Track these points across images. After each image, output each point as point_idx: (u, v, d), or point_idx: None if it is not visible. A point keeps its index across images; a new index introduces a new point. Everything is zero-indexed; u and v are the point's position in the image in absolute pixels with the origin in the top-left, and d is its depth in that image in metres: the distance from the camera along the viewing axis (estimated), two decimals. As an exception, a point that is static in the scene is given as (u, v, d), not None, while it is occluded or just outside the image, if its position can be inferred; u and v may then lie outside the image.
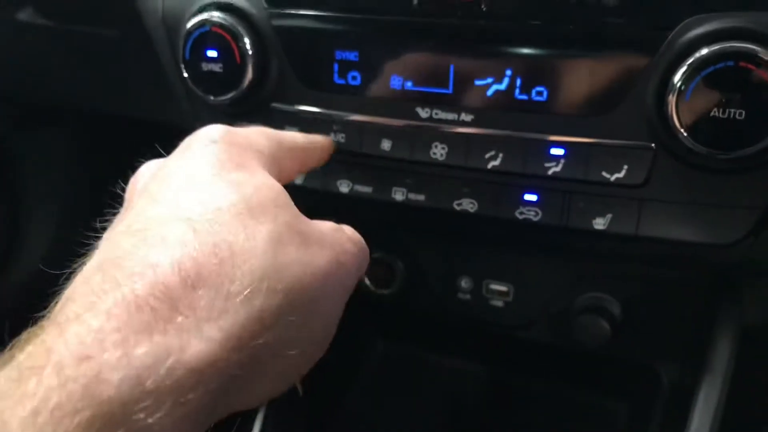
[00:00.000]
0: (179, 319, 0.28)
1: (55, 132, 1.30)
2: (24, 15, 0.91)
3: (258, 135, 0.42)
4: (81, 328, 0.27)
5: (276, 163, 0.41)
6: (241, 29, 0.53)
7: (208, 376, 0.28)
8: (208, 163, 0.37)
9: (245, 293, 0.31)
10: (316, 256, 0.36)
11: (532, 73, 0.47)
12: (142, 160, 0.42)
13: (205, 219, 0.32)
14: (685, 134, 0.43)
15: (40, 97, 1.14)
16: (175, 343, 0.28)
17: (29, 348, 0.27)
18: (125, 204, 0.39)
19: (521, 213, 0.50)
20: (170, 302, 0.29)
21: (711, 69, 0.41)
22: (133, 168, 0.42)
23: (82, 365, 0.26)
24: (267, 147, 0.41)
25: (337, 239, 0.38)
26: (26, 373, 0.26)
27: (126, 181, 0.41)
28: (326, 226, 0.39)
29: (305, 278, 0.34)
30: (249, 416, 0.54)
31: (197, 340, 0.28)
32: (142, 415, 0.26)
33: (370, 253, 0.68)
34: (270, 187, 0.36)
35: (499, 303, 0.66)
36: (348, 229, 0.41)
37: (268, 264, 0.32)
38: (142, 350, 0.27)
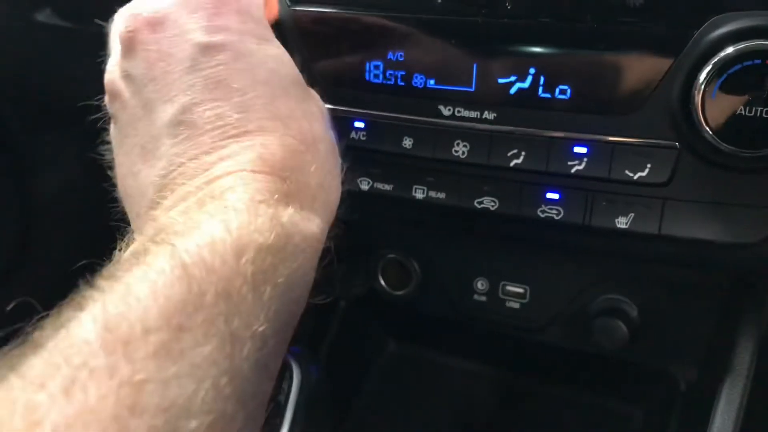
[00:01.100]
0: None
1: (68, 134, 1.31)
2: (42, 16, 0.92)
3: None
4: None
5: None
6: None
7: None
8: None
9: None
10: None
11: (555, 71, 0.47)
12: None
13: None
14: (710, 133, 0.43)
15: (55, 98, 1.14)
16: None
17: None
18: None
19: (543, 211, 0.50)
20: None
21: (737, 67, 0.41)
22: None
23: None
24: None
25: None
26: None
27: None
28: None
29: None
30: (278, 412, 0.54)
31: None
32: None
33: (387, 254, 0.68)
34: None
35: (515, 305, 0.66)
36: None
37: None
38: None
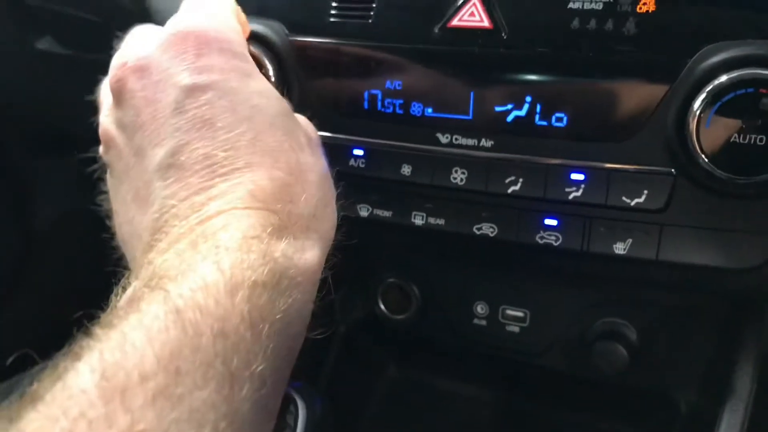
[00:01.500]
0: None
1: (67, 161, 1.31)
2: (43, 44, 0.93)
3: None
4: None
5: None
6: (264, 57, 0.54)
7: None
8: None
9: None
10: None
11: (552, 99, 0.48)
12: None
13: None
14: (705, 160, 0.43)
15: (54, 126, 1.15)
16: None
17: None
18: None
19: (541, 237, 0.51)
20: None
21: (730, 96, 0.42)
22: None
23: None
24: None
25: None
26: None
27: None
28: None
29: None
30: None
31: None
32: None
33: (386, 278, 0.68)
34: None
35: (515, 329, 0.66)
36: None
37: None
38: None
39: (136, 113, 0.37)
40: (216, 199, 0.34)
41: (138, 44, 0.39)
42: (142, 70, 0.37)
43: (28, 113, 1.11)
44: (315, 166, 0.39)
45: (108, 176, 0.42)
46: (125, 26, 0.82)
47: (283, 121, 0.38)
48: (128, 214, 0.38)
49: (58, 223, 1.33)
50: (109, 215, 0.42)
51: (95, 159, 0.43)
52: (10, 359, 0.34)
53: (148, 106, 0.37)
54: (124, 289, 0.32)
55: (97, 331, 0.27)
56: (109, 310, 0.31)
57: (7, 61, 0.97)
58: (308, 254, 0.35)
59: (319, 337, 0.37)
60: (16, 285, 1.31)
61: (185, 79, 0.36)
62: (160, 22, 0.63)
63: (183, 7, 0.43)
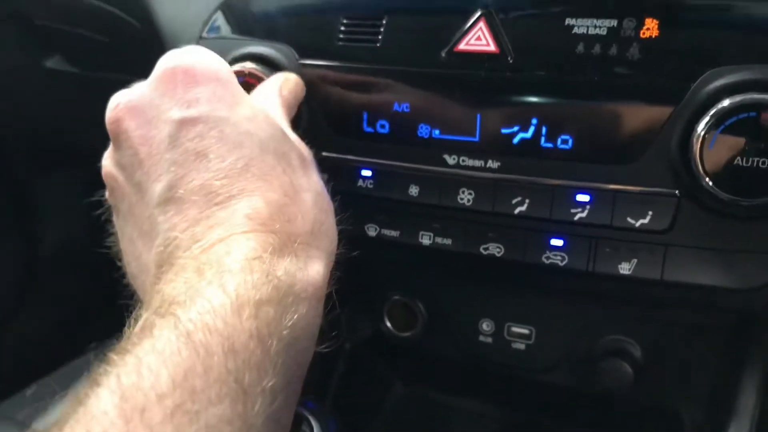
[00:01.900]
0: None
1: (74, 179, 1.32)
2: (52, 62, 0.94)
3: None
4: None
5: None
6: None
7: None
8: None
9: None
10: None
11: (557, 122, 0.48)
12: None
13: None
14: (709, 182, 0.44)
15: (64, 141, 1.16)
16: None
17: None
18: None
19: (548, 258, 0.51)
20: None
21: (733, 119, 0.43)
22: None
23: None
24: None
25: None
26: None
27: None
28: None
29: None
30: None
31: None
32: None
33: (392, 296, 0.69)
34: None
35: (521, 346, 0.66)
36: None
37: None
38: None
39: (133, 152, 0.39)
40: (216, 228, 0.35)
41: (132, 87, 0.41)
42: (134, 109, 0.39)
43: (34, 128, 1.12)
44: (309, 184, 0.40)
45: (114, 218, 0.43)
46: (133, 46, 0.83)
47: (275, 144, 0.40)
48: (135, 251, 0.40)
49: (61, 244, 1.34)
50: (119, 257, 0.43)
51: (101, 202, 0.44)
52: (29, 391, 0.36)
53: (143, 143, 0.38)
54: (136, 320, 0.33)
55: (113, 357, 0.29)
56: (123, 338, 0.32)
57: (16, 78, 0.98)
58: (311, 270, 0.36)
59: (326, 351, 0.38)
60: (19, 305, 1.32)
61: (176, 113, 0.38)
62: (173, 42, 0.65)
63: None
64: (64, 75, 0.95)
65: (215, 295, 0.31)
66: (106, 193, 0.44)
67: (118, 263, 0.44)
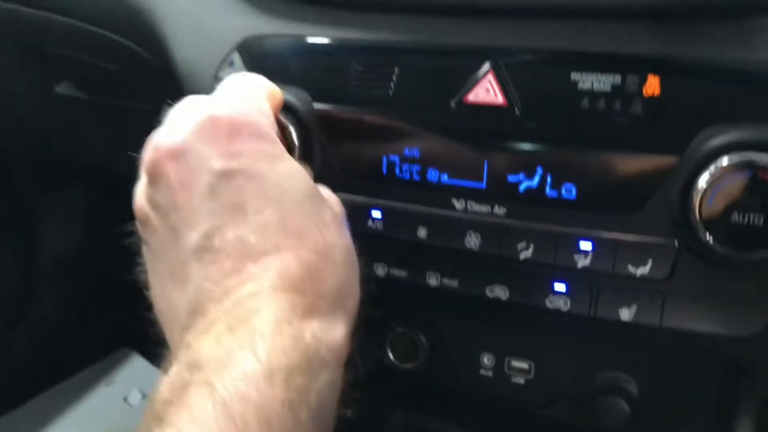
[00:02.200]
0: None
1: (76, 192, 1.33)
2: (62, 88, 0.96)
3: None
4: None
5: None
6: (288, 122, 0.56)
7: None
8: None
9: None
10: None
11: (562, 172, 0.50)
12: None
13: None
14: (707, 235, 0.46)
15: (69, 160, 1.18)
16: None
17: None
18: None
19: (551, 302, 0.53)
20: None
21: (730, 177, 0.45)
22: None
23: None
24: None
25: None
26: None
27: None
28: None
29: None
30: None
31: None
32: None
33: (395, 328, 0.71)
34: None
35: (520, 380, 0.68)
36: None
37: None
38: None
39: (170, 194, 0.40)
40: (248, 283, 0.36)
41: (174, 128, 0.41)
42: (176, 154, 0.40)
43: (40, 147, 1.13)
44: (339, 243, 0.41)
45: (144, 248, 0.44)
46: (145, 76, 0.84)
47: (309, 201, 0.41)
48: (165, 291, 0.41)
49: (61, 258, 1.35)
50: (146, 286, 0.44)
51: (132, 231, 0.46)
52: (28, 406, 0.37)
53: (182, 189, 0.39)
54: (166, 370, 0.34)
55: (153, 429, 0.30)
56: (154, 394, 0.33)
57: (26, 102, 1.00)
58: (336, 332, 0.38)
59: (352, 417, 0.39)
60: (18, 319, 1.32)
61: (217, 163, 0.39)
62: (188, 78, 0.66)
63: (219, 90, 0.45)
64: (74, 100, 0.97)
65: (248, 361, 0.32)
66: (137, 223, 0.44)
67: (145, 292, 0.45)
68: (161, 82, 0.74)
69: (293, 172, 0.41)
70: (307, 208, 0.40)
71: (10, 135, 1.06)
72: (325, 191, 0.45)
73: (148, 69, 0.79)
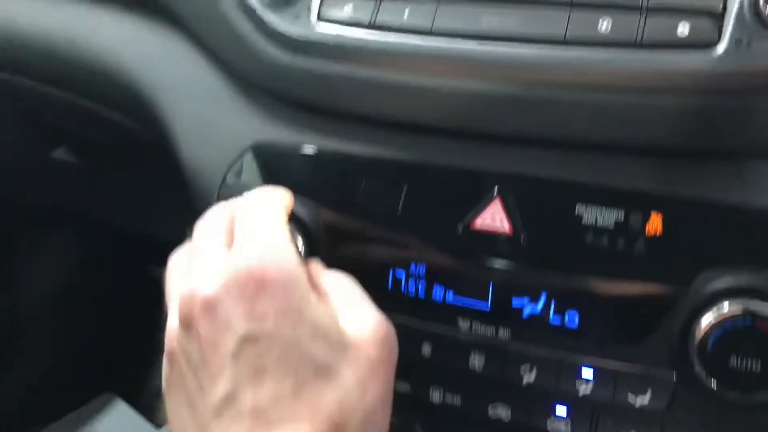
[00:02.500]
0: None
1: (62, 235, 1.33)
2: (58, 153, 0.96)
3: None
4: None
5: None
6: (295, 231, 0.57)
7: None
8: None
9: None
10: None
11: (565, 303, 0.52)
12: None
13: None
14: (705, 375, 0.48)
15: (57, 211, 1.17)
16: None
17: None
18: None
19: (552, 422, 0.54)
20: None
21: (729, 322, 0.46)
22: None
23: None
24: None
25: None
26: None
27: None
28: None
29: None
30: None
31: None
32: None
33: (392, 420, 0.71)
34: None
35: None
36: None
37: None
38: None
39: (199, 347, 0.41)
40: None
41: (207, 276, 0.42)
42: (209, 307, 0.41)
43: (30, 199, 1.13)
44: (359, 408, 0.41)
45: (165, 386, 0.46)
46: (138, 149, 0.84)
47: (333, 362, 0.41)
48: (183, 429, 0.43)
49: (45, 302, 1.34)
50: (160, 393, 0.46)
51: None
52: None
53: (210, 346, 0.41)
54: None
55: None
56: None
57: (22, 163, 0.99)
58: None
59: None
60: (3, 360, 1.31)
61: (242, 327, 0.40)
62: (193, 178, 0.67)
63: (239, 234, 0.46)
64: (70, 165, 0.97)
65: None
66: (164, 358, 0.46)
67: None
68: (161, 159, 0.74)
69: (316, 333, 0.42)
70: (328, 373, 0.41)
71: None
72: (362, 332, 0.45)
73: (149, 147, 0.80)
